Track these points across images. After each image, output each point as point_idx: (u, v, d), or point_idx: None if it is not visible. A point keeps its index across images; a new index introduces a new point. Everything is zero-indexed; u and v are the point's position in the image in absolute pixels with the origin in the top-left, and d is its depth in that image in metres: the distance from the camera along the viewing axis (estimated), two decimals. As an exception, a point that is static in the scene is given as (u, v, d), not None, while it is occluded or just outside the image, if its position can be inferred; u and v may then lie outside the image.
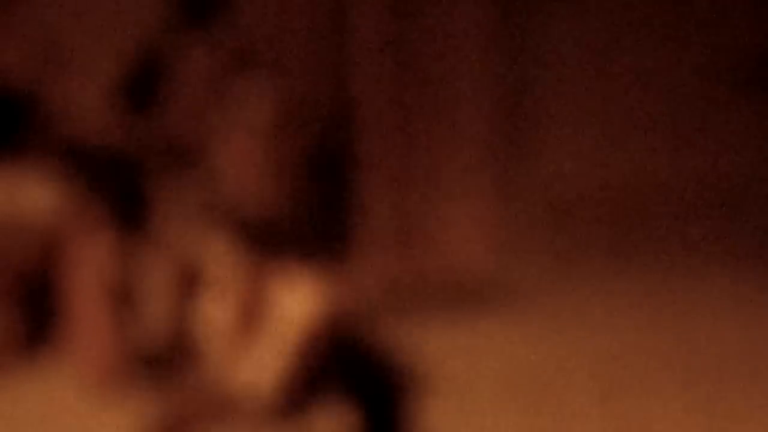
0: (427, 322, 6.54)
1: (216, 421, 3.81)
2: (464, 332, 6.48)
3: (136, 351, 5.77)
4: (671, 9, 7.78)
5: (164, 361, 5.74)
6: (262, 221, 4.09)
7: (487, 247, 7.45)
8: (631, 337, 6.33)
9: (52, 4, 6.48)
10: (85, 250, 5.79)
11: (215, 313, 3.80)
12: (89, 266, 5.77)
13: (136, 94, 6.06)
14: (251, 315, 3.81)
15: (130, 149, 5.19)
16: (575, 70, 7.71)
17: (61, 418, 5.39)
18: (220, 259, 3.94)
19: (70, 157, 6.05)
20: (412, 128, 7.48)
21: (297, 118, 5.81)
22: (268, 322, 3.81)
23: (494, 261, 7.39)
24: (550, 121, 7.71)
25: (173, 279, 4.25)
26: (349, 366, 4.26)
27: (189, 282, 4.06)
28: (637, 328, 6.49)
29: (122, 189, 5.74)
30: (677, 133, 7.89)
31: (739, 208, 8.02)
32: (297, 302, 3.83)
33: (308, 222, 4.14)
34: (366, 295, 6.04)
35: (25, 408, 5.49)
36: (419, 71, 7.45)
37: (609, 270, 7.61)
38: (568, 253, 7.76)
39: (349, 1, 7.32)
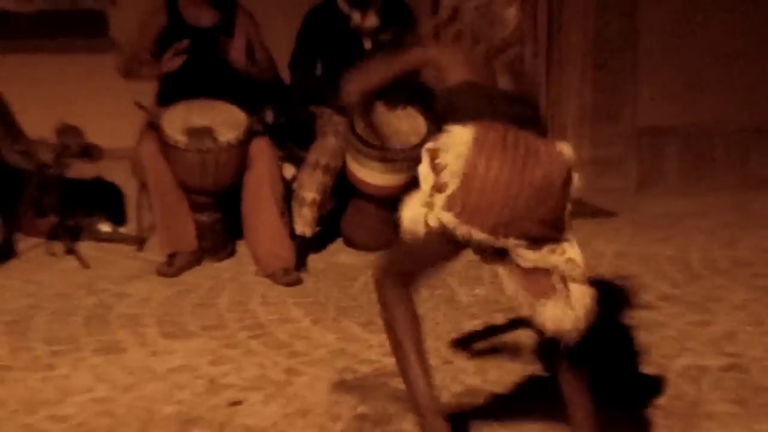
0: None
1: None
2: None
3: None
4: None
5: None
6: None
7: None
8: (696, 240, 6.44)
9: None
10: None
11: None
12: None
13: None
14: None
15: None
16: (664, 31, 7.66)
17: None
18: None
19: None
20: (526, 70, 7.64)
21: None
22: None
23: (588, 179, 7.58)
24: (641, 68, 7.66)
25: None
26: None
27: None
28: (701, 233, 6.60)
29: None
30: (737, 84, 7.83)
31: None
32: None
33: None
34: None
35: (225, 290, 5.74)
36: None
37: (681, 188, 7.81)
38: (649, 173, 7.84)
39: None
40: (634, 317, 5.06)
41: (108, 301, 5.34)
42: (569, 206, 3.08)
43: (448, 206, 3.00)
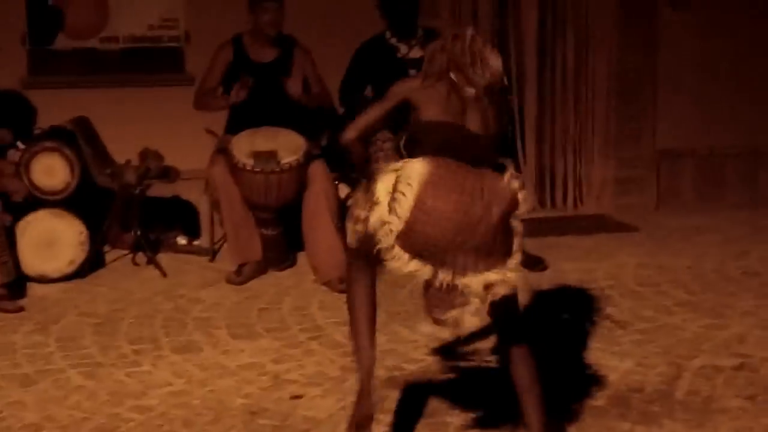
0: (566, 242, 6.70)
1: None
2: (591, 246, 6.64)
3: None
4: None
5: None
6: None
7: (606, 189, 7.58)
8: (710, 252, 6.39)
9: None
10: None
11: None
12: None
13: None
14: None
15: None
16: (681, 65, 7.65)
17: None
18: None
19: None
20: (561, 103, 7.66)
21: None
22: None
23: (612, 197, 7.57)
24: (660, 97, 7.65)
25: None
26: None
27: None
28: (714, 246, 6.56)
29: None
30: (747, 112, 7.78)
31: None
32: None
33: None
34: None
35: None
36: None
37: (696, 205, 7.74)
38: (667, 191, 7.80)
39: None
40: (655, 321, 5.03)
41: (184, 305, 5.40)
42: (516, 227, 3.06)
43: (396, 231, 3.01)
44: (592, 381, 4.22)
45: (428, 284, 3.05)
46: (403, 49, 6.08)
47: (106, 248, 6.40)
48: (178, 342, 4.79)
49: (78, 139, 6.17)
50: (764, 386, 4.13)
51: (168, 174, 6.27)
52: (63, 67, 6.88)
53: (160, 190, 6.59)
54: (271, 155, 5.62)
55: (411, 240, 2.98)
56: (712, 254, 6.32)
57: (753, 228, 7.03)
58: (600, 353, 4.57)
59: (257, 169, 5.61)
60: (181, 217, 6.86)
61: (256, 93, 5.89)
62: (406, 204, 2.96)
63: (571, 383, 4.22)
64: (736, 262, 6.11)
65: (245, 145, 5.71)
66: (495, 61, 3.21)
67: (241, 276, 5.75)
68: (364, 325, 3.33)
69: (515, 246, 3.03)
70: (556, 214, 7.60)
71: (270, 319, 5.06)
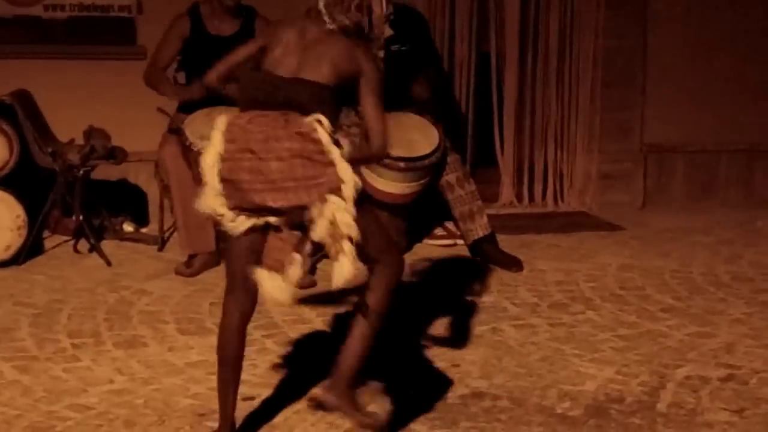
0: (545, 240, 6.74)
1: None
2: (572, 245, 6.67)
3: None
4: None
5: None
6: None
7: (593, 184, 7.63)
8: (699, 255, 6.44)
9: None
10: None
11: None
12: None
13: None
14: None
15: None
16: (672, 52, 7.71)
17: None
18: None
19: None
20: (543, 90, 7.70)
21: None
22: None
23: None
24: (649, 87, 7.72)
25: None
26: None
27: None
28: (704, 248, 6.60)
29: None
30: (742, 105, 7.86)
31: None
32: None
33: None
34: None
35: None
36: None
37: (686, 205, 7.82)
38: (655, 189, 7.88)
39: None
40: (638, 327, 5.05)
41: (129, 297, 5.39)
42: (328, 162, 3.28)
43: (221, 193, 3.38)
44: (568, 389, 4.22)
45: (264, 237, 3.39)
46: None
47: (46, 234, 6.37)
48: (122, 336, 4.78)
49: (18, 114, 6.13)
50: (753, 399, 4.16)
51: (115, 155, 6.24)
52: (3, 35, 6.82)
53: (105, 172, 6.57)
54: (228, 137, 5.58)
55: (231, 196, 3.34)
56: (701, 257, 6.36)
57: (746, 230, 7.09)
58: (577, 360, 4.59)
59: (212, 152, 5.57)
60: (128, 202, 6.85)
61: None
62: (211, 165, 3.37)
63: (544, 391, 4.23)
64: (727, 267, 6.16)
65: (200, 126, 5.68)
66: (376, 6, 3.46)
67: (191, 267, 5.74)
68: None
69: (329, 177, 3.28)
70: (535, 210, 7.65)
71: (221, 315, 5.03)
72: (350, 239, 3.28)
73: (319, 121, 3.33)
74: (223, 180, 3.36)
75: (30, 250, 5.96)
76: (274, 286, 3.40)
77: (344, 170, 3.32)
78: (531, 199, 7.69)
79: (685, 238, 6.84)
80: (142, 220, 6.74)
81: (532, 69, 7.59)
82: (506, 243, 6.26)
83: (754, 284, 5.82)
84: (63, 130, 6.39)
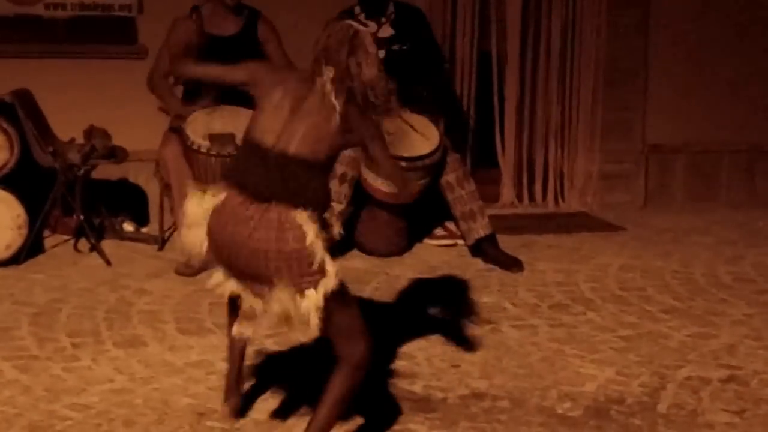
0: (545, 241, 6.73)
1: None
2: (573, 245, 6.66)
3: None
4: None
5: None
6: None
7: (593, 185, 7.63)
8: (701, 255, 6.43)
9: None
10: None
11: None
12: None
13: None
14: None
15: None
16: (674, 52, 7.72)
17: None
18: None
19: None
20: (544, 89, 7.69)
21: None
22: None
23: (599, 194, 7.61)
24: (651, 87, 7.73)
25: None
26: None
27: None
28: (706, 249, 6.61)
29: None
30: (744, 105, 7.87)
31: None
32: None
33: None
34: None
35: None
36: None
37: (687, 205, 7.83)
38: (656, 189, 7.89)
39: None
40: (638, 328, 5.05)
41: (129, 297, 5.39)
42: (307, 259, 3.29)
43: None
44: (568, 390, 4.22)
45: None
46: (372, 26, 6.07)
47: (46, 233, 6.37)
48: (121, 336, 4.78)
49: (18, 113, 6.13)
50: (754, 400, 4.16)
51: (115, 154, 6.24)
52: (4, 34, 6.82)
53: (106, 171, 6.56)
54: (229, 138, 5.60)
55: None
56: (703, 258, 6.36)
57: (748, 231, 7.08)
58: (578, 360, 4.60)
59: (213, 153, 5.59)
60: (128, 201, 6.85)
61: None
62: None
63: (544, 392, 4.23)
64: (728, 267, 6.16)
65: (201, 126, 5.69)
66: (370, 69, 3.32)
67: (191, 267, 5.73)
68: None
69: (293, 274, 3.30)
70: (535, 210, 7.64)
71: (221, 314, 4.96)
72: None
73: (307, 217, 3.29)
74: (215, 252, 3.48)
75: (30, 249, 5.97)
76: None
77: (329, 264, 3.33)
78: (531, 199, 7.69)
79: (686, 238, 6.84)
80: (142, 219, 6.74)
81: (533, 68, 7.59)
82: (507, 243, 6.26)
83: (756, 285, 5.82)
84: (63, 129, 6.39)
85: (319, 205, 3.35)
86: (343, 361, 3.45)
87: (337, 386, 3.45)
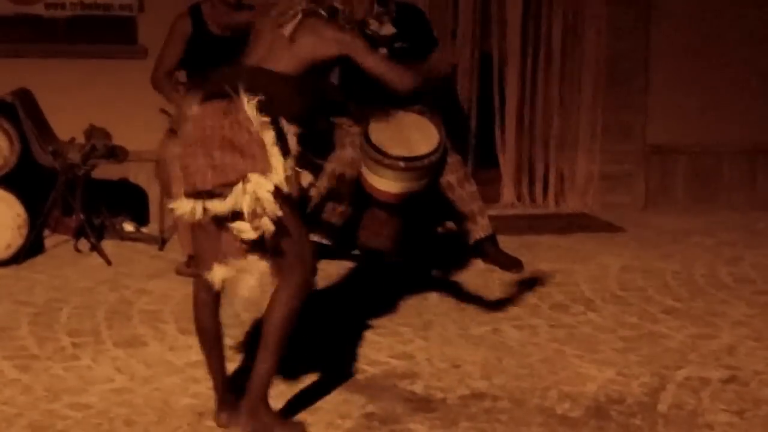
0: (546, 241, 6.74)
1: None
2: (573, 246, 6.68)
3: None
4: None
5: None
6: None
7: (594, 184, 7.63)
8: (701, 256, 6.44)
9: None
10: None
11: None
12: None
13: None
14: None
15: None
16: (675, 52, 7.73)
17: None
18: None
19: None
20: (545, 90, 7.69)
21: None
22: None
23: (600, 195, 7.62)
24: (653, 87, 7.73)
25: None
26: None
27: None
28: (706, 250, 6.61)
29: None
30: (746, 106, 7.88)
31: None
32: None
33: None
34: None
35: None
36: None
37: (688, 206, 7.84)
38: (657, 190, 7.89)
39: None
40: (639, 329, 5.06)
41: (129, 297, 5.40)
42: (258, 149, 3.45)
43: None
44: (568, 390, 4.23)
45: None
46: (373, 24, 6.07)
47: (46, 233, 6.38)
48: (122, 336, 4.78)
49: (19, 112, 6.13)
50: (754, 401, 4.16)
51: (115, 154, 6.24)
52: (4, 34, 6.84)
53: (106, 171, 6.57)
54: (230, 137, 5.59)
55: (184, 182, 3.57)
56: (703, 259, 6.37)
57: (748, 232, 7.10)
58: (578, 361, 4.60)
59: (214, 152, 5.57)
60: (128, 201, 6.85)
61: (216, 67, 5.86)
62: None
63: (544, 392, 4.23)
64: (729, 268, 6.16)
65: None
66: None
67: (191, 267, 5.72)
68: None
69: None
70: (536, 210, 7.63)
71: (222, 315, 5.02)
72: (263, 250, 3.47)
73: (254, 106, 3.46)
74: (182, 167, 3.57)
75: (30, 249, 5.98)
76: (230, 280, 3.57)
77: (274, 156, 3.46)
78: (532, 199, 7.70)
79: (687, 239, 6.85)
80: (142, 219, 6.75)
81: (534, 69, 7.59)
82: (507, 244, 6.23)
83: (756, 286, 5.83)
84: (64, 129, 6.40)
85: (278, 112, 3.51)
86: (283, 285, 3.56)
87: (277, 316, 3.56)
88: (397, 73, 3.80)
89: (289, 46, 3.62)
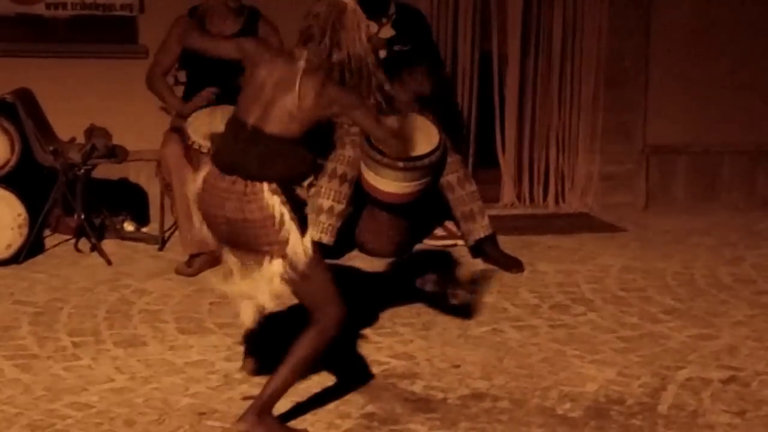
0: (546, 242, 6.71)
1: None
2: (573, 246, 6.66)
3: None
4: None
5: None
6: None
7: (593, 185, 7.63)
8: (702, 256, 6.44)
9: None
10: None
11: None
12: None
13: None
14: None
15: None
16: (675, 52, 7.72)
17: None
18: None
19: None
20: (545, 90, 7.69)
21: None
22: None
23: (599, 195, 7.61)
24: (653, 88, 7.73)
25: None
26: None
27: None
28: (707, 250, 6.60)
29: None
30: (746, 106, 7.87)
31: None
32: None
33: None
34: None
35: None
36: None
37: (688, 206, 7.82)
38: (657, 190, 7.88)
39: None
40: (639, 329, 5.05)
41: (129, 297, 5.39)
42: (272, 227, 3.55)
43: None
44: (569, 391, 4.22)
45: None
46: (372, 27, 6.06)
47: (47, 232, 6.38)
48: (122, 335, 4.78)
49: (19, 112, 6.12)
50: (755, 401, 4.16)
51: (116, 153, 6.24)
52: (5, 33, 6.83)
53: (106, 171, 6.56)
54: (230, 136, 5.58)
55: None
56: (704, 259, 6.36)
57: (748, 232, 7.09)
58: (578, 361, 4.60)
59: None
60: (129, 201, 6.84)
61: (216, 68, 5.84)
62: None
63: (544, 392, 4.22)
64: (729, 268, 6.15)
65: (202, 125, 5.68)
66: (352, 44, 3.59)
67: (192, 267, 5.74)
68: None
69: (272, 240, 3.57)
70: (536, 211, 7.62)
71: (221, 314, 5.05)
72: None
73: (271, 190, 3.54)
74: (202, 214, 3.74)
75: (31, 248, 5.97)
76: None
77: (293, 233, 3.55)
78: (532, 200, 7.70)
79: (687, 239, 6.84)
80: (142, 219, 6.74)
81: (534, 69, 7.58)
82: (507, 244, 6.26)
83: (756, 286, 5.82)
84: (64, 128, 6.39)
85: (287, 177, 3.59)
86: (312, 323, 3.64)
87: (302, 346, 3.65)
88: (382, 130, 3.79)
89: (295, 110, 3.57)
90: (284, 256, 3.54)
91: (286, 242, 3.54)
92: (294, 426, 3.84)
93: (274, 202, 3.53)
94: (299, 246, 3.55)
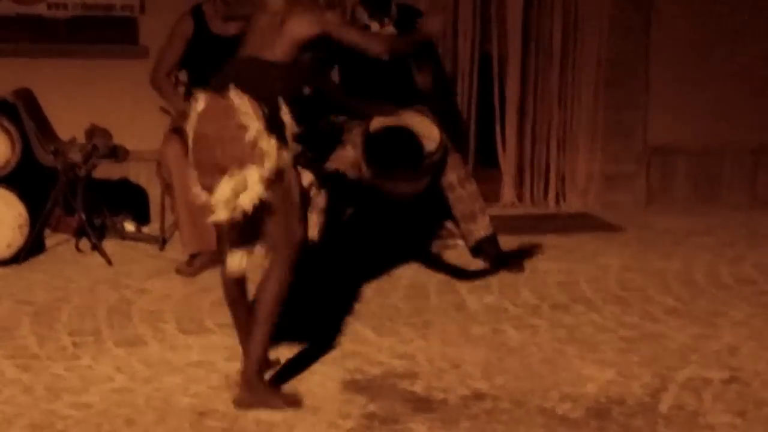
0: (546, 241, 6.70)
1: None
2: (574, 246, 6.65)
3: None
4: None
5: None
6: None
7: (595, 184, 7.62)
8: (702, 256, 6.41)
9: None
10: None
11: None
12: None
13: None
14: None
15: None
16: (676, 52, 7.72)
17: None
18: None
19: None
20: (546, 90, 7.68)
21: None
22: None
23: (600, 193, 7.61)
24: (653, 87, 7.72)
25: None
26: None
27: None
28: (707, 250, 6.58)
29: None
30: (747, 105, 7.86)
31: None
32: None
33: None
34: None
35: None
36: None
37: (689, 206, 7.81)
38: (658, 190, 7.88)
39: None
40: (639, 329, 5.05)
41: (130, 296, 5.39)
42: (249, 139, 3.67)
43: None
44: (569, 391, 4.21)
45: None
46: (374, 26, 6.07)
47: (47, 232, 6.37)
48: (122, 335, 4.77)
49: (20, 112, 6.13)
50: (755, 401, 4.15)
51: (117, 153, 6.24)
52: (6, 33, 6.84)
53: (107, 170, 6.57)
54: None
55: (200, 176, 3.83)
56: (704, 259, 6.34)
57: (750, 232, 7.07)
58: (579, 361, 4.59)
59: (214, 151, 5.56)
60: (129, 201, 6.84)
61: (218, 68, 5.84)
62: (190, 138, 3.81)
63: (545, 392, 4.21)
64: (730, 268, 6.14)
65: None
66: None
67: (192, 267, 5.73)
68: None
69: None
70: (536, 210, 7.62)
71: (222, 314, 5.00)
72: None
73: (239, 96, 3.67)
74: (195, 161, 3.85)
75: (31, 248, 5.97)
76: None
77: (264, 143, 3.66)
78: (532, 199, 7.68)
79: (688, 239, 6.82)
80: (143, 219, 6.74)
81: (535, 69, 7.58)
82: (507, 243, 6.24)
83: (757, 286, 5.81)
84: (65, 128, 6.39)
85: (271, 99, 3.71)
86: (274, 258, 3.79)
87: (268, 289, 3.78)
88: (372, 39, 4.10)
89: (279, 32, 3.81)
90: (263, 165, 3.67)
91: (261, 154, 3.66)
92: (294, 425, 3.79)
93: (252, 116, 3.66)
94: (275, 157, 3.68)
